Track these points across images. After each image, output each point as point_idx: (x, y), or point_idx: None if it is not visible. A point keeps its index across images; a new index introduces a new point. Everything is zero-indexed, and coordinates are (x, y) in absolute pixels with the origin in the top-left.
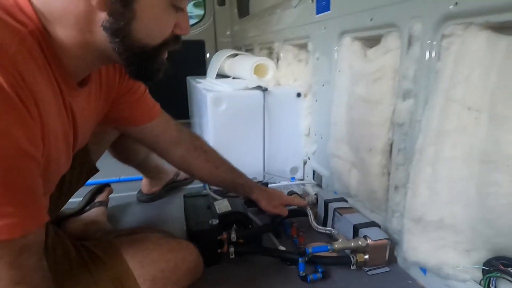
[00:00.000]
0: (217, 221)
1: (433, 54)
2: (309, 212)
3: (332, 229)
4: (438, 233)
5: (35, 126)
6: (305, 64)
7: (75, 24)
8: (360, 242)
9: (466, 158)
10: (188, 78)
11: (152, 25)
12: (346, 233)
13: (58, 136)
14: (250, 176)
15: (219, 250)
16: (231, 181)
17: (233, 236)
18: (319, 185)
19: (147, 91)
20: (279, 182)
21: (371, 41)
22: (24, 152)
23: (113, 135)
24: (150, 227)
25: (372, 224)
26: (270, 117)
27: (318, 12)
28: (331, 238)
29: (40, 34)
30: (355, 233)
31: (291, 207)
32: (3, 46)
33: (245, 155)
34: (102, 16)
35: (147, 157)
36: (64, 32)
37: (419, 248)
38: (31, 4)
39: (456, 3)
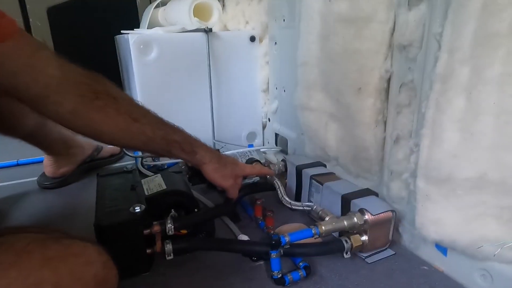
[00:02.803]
0: (143, 207)
1: None
2: (278, 183)
3: (311, 203)
4: (475, 196)
5: None
6: (258, 1)
7: None
8: (355, 219)
9: None
10: (117, 37)
11: None
12: (331, 207)
13: None
14: None
15: (148, 251)
16: (161, 138)
17: (170, 226)
18: (284, 151)
19: None
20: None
21: None
22: None
23: None
24: (40, 226)
25: (367, 192)
26: (218, 69)
27: None
28: (311, 216)
29: None
30: (345, 207)
31: (251, 180)
32: None
33: (187, 120)
34: None
35: (42, 124)
36: None
37: (443, 220)
38: None
39: None
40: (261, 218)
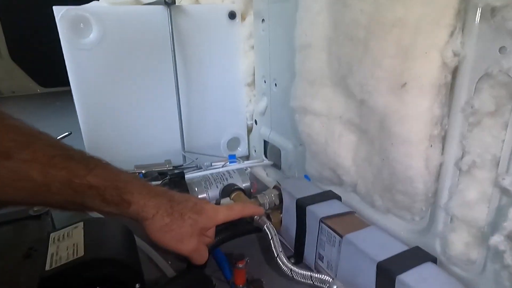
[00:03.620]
0: None
1: None
2: (270, 230)
3: (327, 278)
4: None
5: None
6: None
7: None
8: None
9: None
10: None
11: None
12: (355, 276)
13: None
14: (159, 160)
15: None
16: (61, 183)
17: None
18: (277, 166)
19: None
20: (210, 165)
21: None
22: None
23: None
24: None
25: (418, 254)
26: (186, 56)
27: None
28: None
29: None
30: (386, 284)
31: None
32: None
33: (145, 127)
34: None
35: None
36: None
37: None
38: None
39: None
40: None
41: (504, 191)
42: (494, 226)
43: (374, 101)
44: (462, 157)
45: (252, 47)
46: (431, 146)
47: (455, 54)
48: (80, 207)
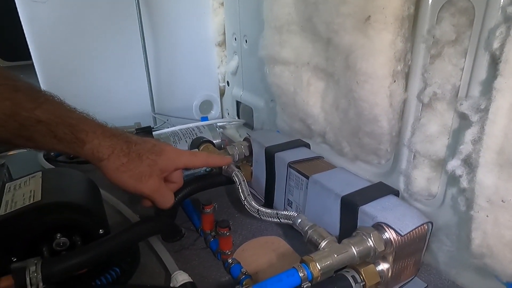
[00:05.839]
0: None
1: None
2: (238, 177)
3: (294, 214)
4: None
5: None
6: None
7: None
8: (371, 242)
9: None
10: None
11: None
12: (322, 215)
13: None
14: (129, 123)
15: None
16: (7, 116)
17: (34, 276)
18: (249, 125)
19: None
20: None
21: None
22: None
23: None
24: None
25: (381, 189)
26: (153, 13)
27: None
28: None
29: None
30: (349, 216)
31: (196, 171)
32: None
33: (111, 88)
34: None
35: None
36: None
37: None
38: None
39: None
40: (212, 234)
41: (461, 115)
42: (451, 151)
43: (339, 39)
44: (424, 89)
45: (222, 3)
46: (395, 81)
47: None
48: (28, 142)
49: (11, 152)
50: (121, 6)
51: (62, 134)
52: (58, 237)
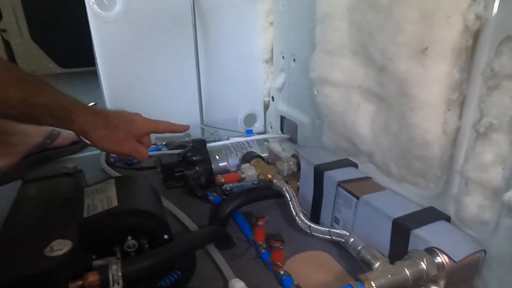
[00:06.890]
0: (69, 245)
1: None
2: (289, 192)
3: (345, 233)
4: None
5: None
6: None
7: None
8: (423, 265)
9: None
10: None
11: None
12: (371, 236)
13: None
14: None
15: None
16: (18, 102)
17: (116, 274)
18: (293, 140)
19: None
20: (228, 139)
21: None
22: None
23: None
24: None
25: (432, 214)
26: (206, 31)
27: None
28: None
29: None
30: (400, 239)
31: (249, 183)
32: None
33: (166, 99)
34: None
35: None
36: None
37: None
38: None
39: None
40: (264, 245)
41: None
42: (507, 181)
43: (394, 67)
44: (480, 120)
45: (271, 23)
46: (449, 110)
47: (478, 18)
48: (32, 120)
49: (75, 156)
50: (179, 25)
51: (58, 114)
52: (129, 240)
